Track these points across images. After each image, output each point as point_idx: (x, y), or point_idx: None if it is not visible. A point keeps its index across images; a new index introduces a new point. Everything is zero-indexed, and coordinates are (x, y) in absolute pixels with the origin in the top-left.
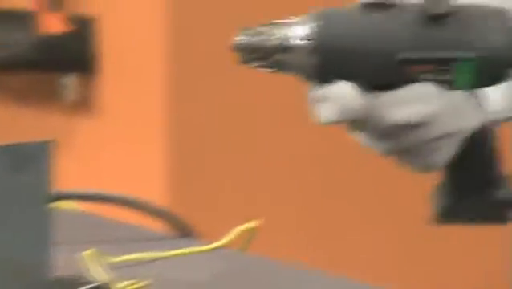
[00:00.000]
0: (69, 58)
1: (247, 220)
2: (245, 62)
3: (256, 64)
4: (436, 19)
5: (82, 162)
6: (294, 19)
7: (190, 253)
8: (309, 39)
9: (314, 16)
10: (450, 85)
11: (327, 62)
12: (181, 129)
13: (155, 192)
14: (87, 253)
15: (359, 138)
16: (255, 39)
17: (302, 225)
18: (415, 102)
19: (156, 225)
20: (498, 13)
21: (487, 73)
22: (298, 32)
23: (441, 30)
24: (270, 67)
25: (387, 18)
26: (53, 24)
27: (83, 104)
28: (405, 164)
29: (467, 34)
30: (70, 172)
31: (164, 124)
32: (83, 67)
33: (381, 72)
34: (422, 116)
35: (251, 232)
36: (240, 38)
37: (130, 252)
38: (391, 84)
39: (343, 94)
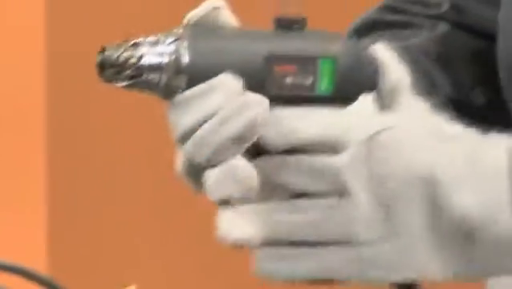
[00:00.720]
0: None
1: (124, 285)
2: (108, 79)
3: (120, 83)
4: (290, 26)
5: None
6: (160, 36)
7: None
8: (175, 57)
9: (181, 32)
10: (312, 90)
11: (196, 80)
12: (61, 195)
13: (35, 259)
14: None
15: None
16: (120, 57)
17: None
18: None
19: None
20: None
21: (344, 78)
22: (165, 50)
23: (298, 35)
24: (135, 86)
25: (246, 30)
26: None
27: None
28: None
29: (324, 38)
30: None
31: (45, 190)
32: None
33: (250, 77)
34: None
35: None
36: (104, 55)
37: None
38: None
39: (227, 82)
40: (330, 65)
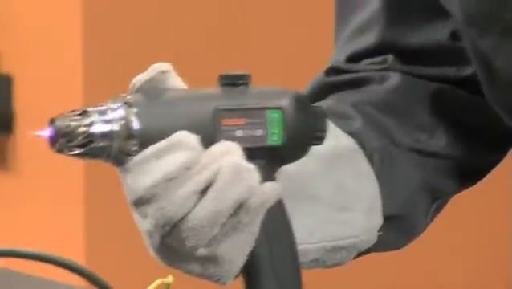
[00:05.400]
0: None
1: (162, 276)
2: (60, 149)
3: (71, 152)
4: (235, 83)
5: None
6: (108, 104)
7: None
8: (125, 123)
9: (129, 98)
10: (264, 140)
11: (147, 144)
12: (99, 187)
13: (73, 249)
14: None
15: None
16: (70, 126)
17: None
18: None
19: (74, 282)
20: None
21: (293, 128)
22: (114, 116)
23: (244, 90)
24: (86, 154)
25: (192, 91)
26: None
27: (0, 162)
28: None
29: (270, 91)
30: None
31: (82, 183)
32: None
33: (201, 134)
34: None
35: (167, 286)
36: (54, 126)
37: None
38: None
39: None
40: (278, 115)
